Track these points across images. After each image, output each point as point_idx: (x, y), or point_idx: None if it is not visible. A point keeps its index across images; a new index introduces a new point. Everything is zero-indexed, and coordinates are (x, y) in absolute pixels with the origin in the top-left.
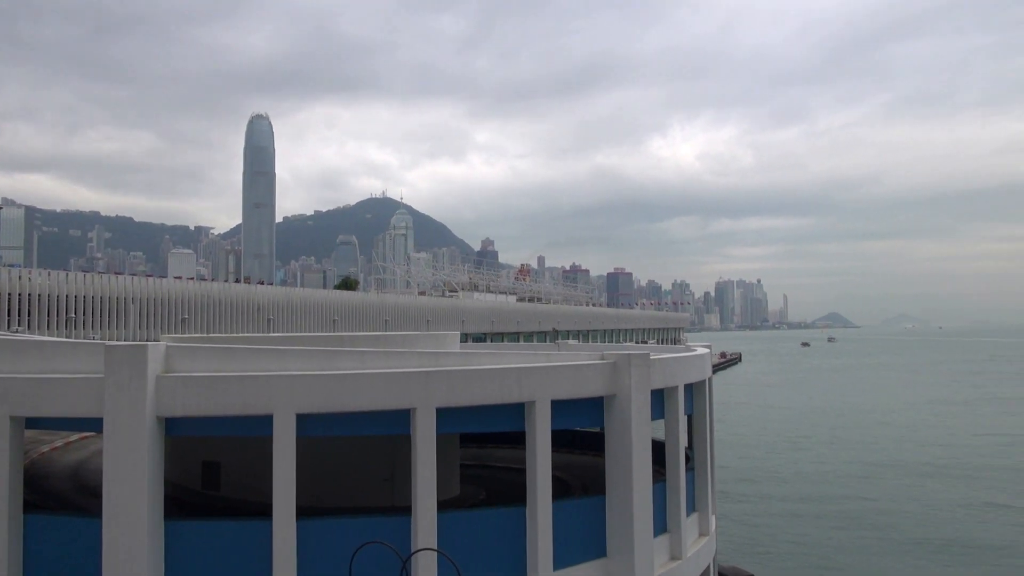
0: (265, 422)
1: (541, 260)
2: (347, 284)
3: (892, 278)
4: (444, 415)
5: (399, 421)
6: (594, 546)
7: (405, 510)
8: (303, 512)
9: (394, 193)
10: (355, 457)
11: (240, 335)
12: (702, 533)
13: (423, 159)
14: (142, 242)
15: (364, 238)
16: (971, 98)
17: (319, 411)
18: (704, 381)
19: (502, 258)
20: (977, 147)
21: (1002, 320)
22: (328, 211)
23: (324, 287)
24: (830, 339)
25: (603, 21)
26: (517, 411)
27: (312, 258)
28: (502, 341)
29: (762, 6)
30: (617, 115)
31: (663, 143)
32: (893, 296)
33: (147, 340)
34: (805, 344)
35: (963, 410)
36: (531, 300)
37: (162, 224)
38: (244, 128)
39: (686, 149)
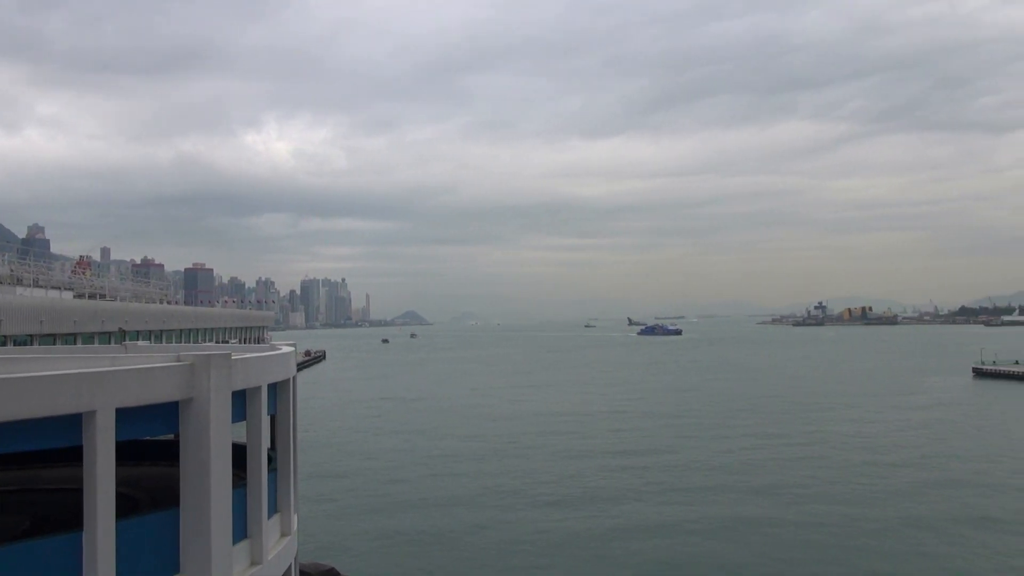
0: None
1: (106, 252)
2: None
3: (460, 280)
4: None
5: None
6: (167, 563)
7: None
8: None
9: None
10: None
11: None
12: (284, 533)
13: None
14: None
15: None
16: (531, 128)
17: None
18: (288, 380)
19: (57, 248)
20: (533, 170)
21: (545, 317)
22: None
23: None
24: (412, 335)
25: (201, 7)
26: (73, 423)
27: None
28: (54, 344)
29: (366, 21)
30: (209, 104)
31: (258, 138)
32: (460, 296)
33: None
34: (385, 341)
35: (522, 393)
36: (93, 297)
37: None
38: None
39: (281, 147)
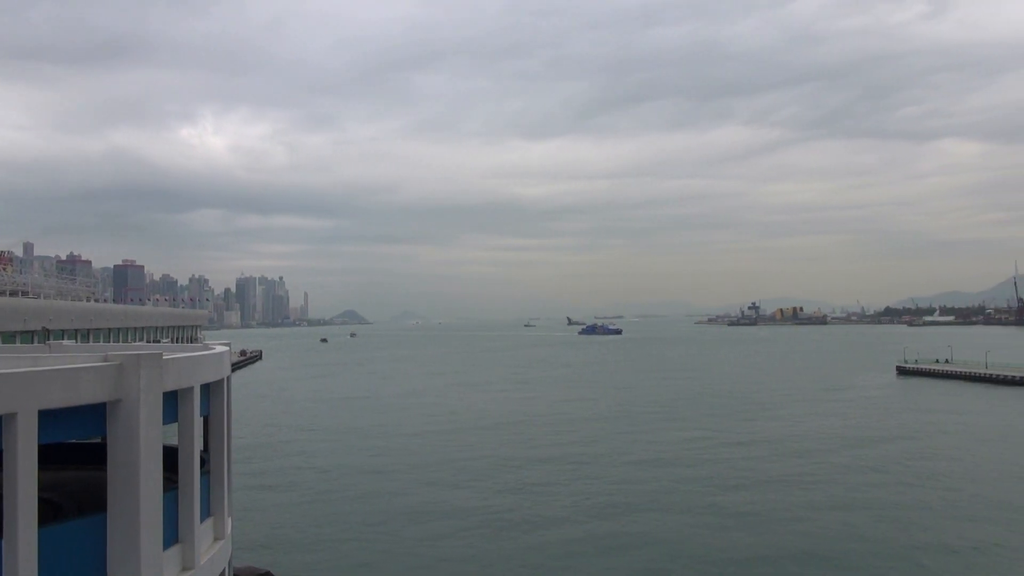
0: None
1: (29, 247)
2: None
3: (401, 279)
4: None
5: None
6: (93, 571)
7: None
8: None
9: None
10: None
11: None
12: (217, 537)
13: None
14: None
15: None
16: (473, 128)
17: None
18: (222, 380)
19: None
20: (474, 170)
21: (485, 316)
22: None
23: None
24: (352, 335)
25: None
26: None
27: None
28: None
29: (306, 16)
30: (142, 96)
31: (193, 132)
32: (401, 295)
33: None
34: (324, 340)
35: (462, 393)
36: (14, 294)
37: None
38: None
39: (218, 141)
